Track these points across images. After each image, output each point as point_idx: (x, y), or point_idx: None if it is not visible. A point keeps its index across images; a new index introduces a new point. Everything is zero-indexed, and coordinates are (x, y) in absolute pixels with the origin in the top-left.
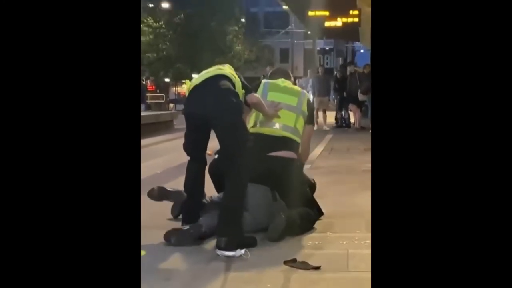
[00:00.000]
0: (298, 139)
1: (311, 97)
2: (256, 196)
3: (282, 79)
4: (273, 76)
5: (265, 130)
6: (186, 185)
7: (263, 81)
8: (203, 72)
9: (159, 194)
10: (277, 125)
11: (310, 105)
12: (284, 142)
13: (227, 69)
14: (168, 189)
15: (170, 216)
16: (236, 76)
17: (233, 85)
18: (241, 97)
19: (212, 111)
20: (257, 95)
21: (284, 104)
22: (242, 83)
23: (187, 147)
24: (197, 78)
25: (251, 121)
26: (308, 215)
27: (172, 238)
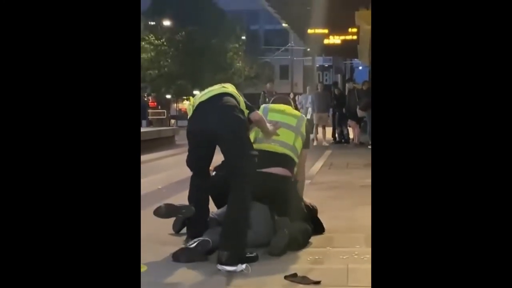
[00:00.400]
0: (295, 158)
1: (310, 113)
2: (257, 212)
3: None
4: (275, 102)
5: (264, 146)
6: (190, 200)
7: (263, 106)
8: (207, 89)
9: (167, 211)
10: (276, 142)
11: (308, 129)
12: (282, 159)
13: (230, 88)
14: (176, 204)
15: (171, 231)
16: (239, 95)
17: (238, 103)
18: (229, 89)
19: (219, 127)
20: (259, 113)
21: (284, 123)
22: (244, 101)
23: (191, 163)
24: (201, 95)
25: (251, 138)
26: (307, 231)
27: (181, 257)
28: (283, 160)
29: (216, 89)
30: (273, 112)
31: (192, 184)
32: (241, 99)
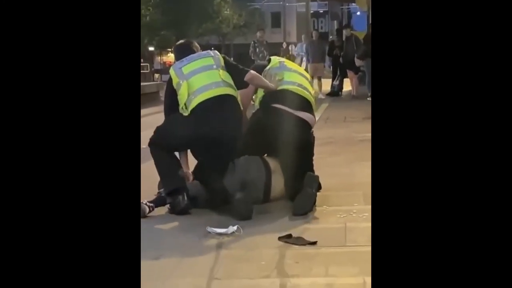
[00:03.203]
0: (312, 99)
1: (304, 63)
2: (251, 169)
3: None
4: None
5: (292, 88)
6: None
7: (277, 58)
8: (204, 84)
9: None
10: (300, 86)
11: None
12: (307, 104)
13: (222, 65)
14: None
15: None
16: (223, 59)
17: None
18: (227, 78)
19: (227, 139)
20: (253, 71)
21: (301, 72)
22: (234, 66)
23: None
24: (199, 91)
25: (257, 100)
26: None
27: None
28: (308, 103)
29: (214, 91)
30: (288, 65)
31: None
32: (233, 69)
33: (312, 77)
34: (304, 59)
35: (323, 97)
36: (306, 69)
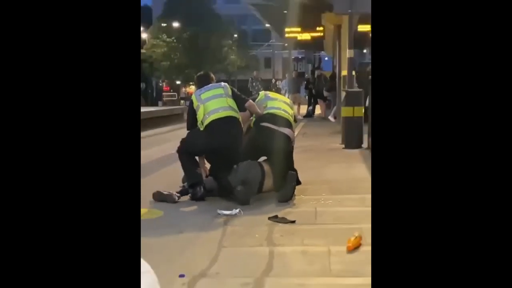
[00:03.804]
0: (292, 120)
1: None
2: (251, 172)
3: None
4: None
5: (277, 112)
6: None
7: (263, 92)
8: (215, 107)
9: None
10: (282, 110)
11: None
12: (287, 122)
13: (230, 94)
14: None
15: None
16: (234, 90)
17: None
18: (232, 104)
19: (230, 146)
20: (251, 101)
21: (282, 100)
22: (238, 95)
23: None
24: (211, 112)
25: (252, 122)
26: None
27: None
28: (288, 123)
29: (221, 113)
30: (273, 95)
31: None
32: (237, 97)
33: (294, 103)
34: (287, 90)
35: (301, 118)
36: (289, 97)
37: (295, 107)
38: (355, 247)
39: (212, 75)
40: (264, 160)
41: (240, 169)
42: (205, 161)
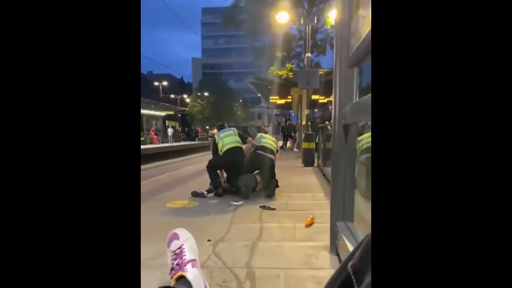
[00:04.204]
0: (275, 150)
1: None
2: (250, 180)
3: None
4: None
5: (268, 145)
6: (214, 179)
7: (259, 134)
8: (229, 141)
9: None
10: (270, 145)
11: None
12: (273, 151)
13: (237, 134)
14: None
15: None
16: (239, 133)
17: (242, 146)
18: (239, 139)
19: (238, 165)
20: (250, 138)
21: (270, 138)
22: (242, 135)
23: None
24: (226, 144)
25: (252, 150)
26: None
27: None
28: (273, 151)
29: (233, 143)
30: (264, 135)
31: (214, 173)
32: (241, 136)
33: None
34: (271, 132)
35: (278, 149)
36: (273, 136)
37: (277, 142)
38: (310, 224)
39: (225, 124)
40: (257, 173)
41: (243, 178)
42: (224, 172)
